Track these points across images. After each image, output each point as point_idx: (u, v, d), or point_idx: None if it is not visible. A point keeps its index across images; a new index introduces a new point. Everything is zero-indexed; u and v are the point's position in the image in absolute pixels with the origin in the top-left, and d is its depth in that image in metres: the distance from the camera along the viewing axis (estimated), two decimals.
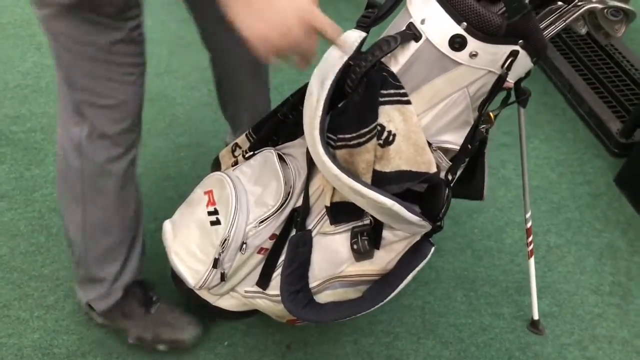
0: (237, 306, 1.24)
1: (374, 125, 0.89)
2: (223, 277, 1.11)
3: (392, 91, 0.89)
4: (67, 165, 1.10)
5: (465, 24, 0.84)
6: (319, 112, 0.89)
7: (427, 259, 1.04)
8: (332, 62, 0.90)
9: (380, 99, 0.89)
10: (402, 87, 0.90)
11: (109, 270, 1.21)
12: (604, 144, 1.94)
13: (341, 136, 0.91)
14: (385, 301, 1.04)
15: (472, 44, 0.85)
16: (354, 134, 0.90)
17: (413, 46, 0.88)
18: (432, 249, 1.04)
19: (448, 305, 1.43)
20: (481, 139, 0.98)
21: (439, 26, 0.86)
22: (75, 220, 1.16)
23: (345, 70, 0.89)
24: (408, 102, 0.90)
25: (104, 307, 1.25)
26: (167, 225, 1.19)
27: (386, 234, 1.07)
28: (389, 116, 0.90)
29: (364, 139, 0.90)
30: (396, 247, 1.10)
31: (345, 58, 0.88)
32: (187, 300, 1.30)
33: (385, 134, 0.90)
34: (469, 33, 0.84)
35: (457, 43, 0.85)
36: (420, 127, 0.91)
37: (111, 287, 1.23)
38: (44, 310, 1.35)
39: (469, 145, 0.95)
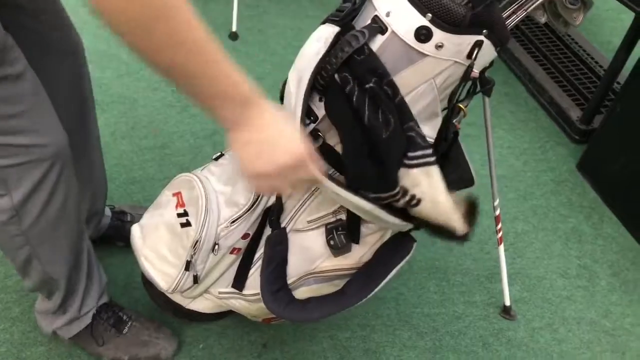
0: (211, 308, 1.22)
1: (396, 191, 0.90)
2: (196, 280, 1.10)
3: (419, 153, 0.89)
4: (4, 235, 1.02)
5: (430, 15, 0.85)
6: (298, 113, 0.89)
7: (410, 254, 1.05)
8: (307, 59, 0.90)
9: (407, 162, 0.88)
10: (429, 147, 0.90)
11: (72, 300, 1.18)
12: (565, 132, 1.99)
13: (364, 192, 0.92)
14: (369, 297, 1.05)
15: (438, 35, 0.86)
16: (374, 195, 0.91)
17: (379, 39, 0.88)
18: (414, 245, 1.05)
19: (422, 296, 1.44)
20: (454, 131, 0.99)
21: (404, 18, 0.87)
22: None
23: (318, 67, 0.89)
24: (434, 163, 0.90)
25: (71, 334, 1.22)
26: (135, 229, 1.17)
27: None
28: (414, 180, 0.89)
29: (384, 201, 0.92)
30: (369, 240, 1.10)
31: (321, 55, 0.88)
32: (158, 304, 1.28)
33: (409, 197, 0.91)
34: (434, 24, 0.85)
35: (422, 35, 0.86)
36: (445, 188, 0.92)
37: (77, 315, 1.20)
38: (9, 323, 1.31)
39: (445, 139, 0.96)
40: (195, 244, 1.05)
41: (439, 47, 0.87)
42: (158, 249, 1.12)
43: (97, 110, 1.26)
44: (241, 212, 1.05)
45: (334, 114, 0.91)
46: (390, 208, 0.95)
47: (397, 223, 0.97)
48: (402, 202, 0.92)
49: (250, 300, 1.15)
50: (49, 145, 0.94)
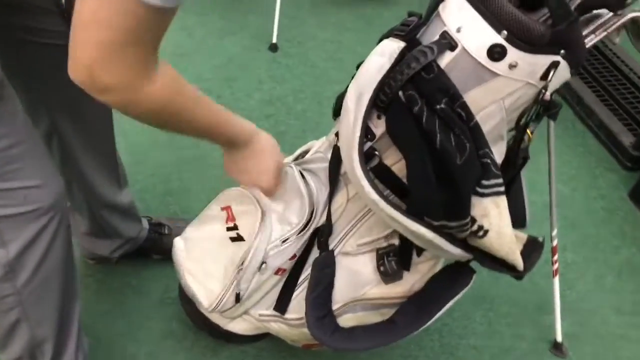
0: (249, 330, 1.17)
1: (466, 221, 0.85)
2: (238, 299, 1.05)
3: (493, 182, 0.84)
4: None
5: (505, 32, 0.79)
6: (357, 132, 0.85)
7: (468, 287, 0.99)
8: (369, 75, 0.85)
9: (480, 190, 0.84)
10: (500, 176, 0.85)
11: None
12: (616, 158, 1.90)
13: (427, 219, 0.87)
14: (420, 329, 0.98)
15: (512, 54, 0.80)
16: (437, 223, 0.86)
17: (448, 56, 0.83)
18: (474, 277, 0.99)
19: (467, 327, 1.37)
20: (523, 157, 0.93)
21: (476, 35, 0.81)
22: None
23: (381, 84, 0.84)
24: (504, 192, 0.85)
25: None
26: (179, 242, 1.12)
27: None
28: (484, 210, 0.85)
29: (448, 230, 0.87)
30: (421, 268, 1.05)
31: (384, 71, 0.83)
32: (194, 322, 1.24)
33: (476, 227, 0.86)
34: (509, 42, 0.79)
35: (496, 53, 0.80)
36: (510, 221, 0.87)
37: None
38: None
39: (513, 166, 0.90)
40: (243, 262, 1.01)
41: (512, 66, 0.81)
42: (203, 263, 1.08)
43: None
44: (293, 231, 1.00)
45: (399, 134, 0.86)
46: (452, 237, 0.89)
47: (457, 253, 0.91)
48: (467, 232, 0.86)
49: (292, 325, 1.10)
50: (47, 191, 0.87)
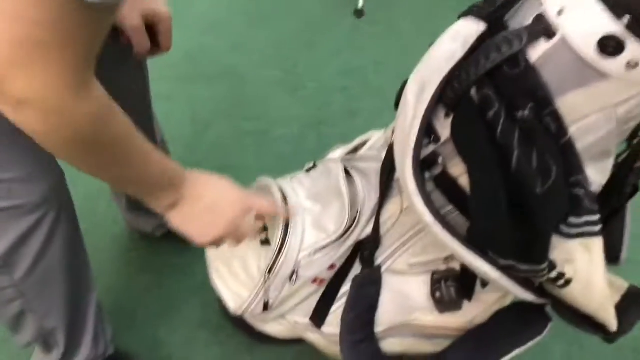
0: (285, 333, 1.05)
1: (543, 266, 0.66)
2: (266, 307, 0.92)
3: (585, 219, 0.64)
4: None
5: (628, 18, 0.57)
6: (414, 132, 0.67)
7: (541, 336, 0.79)
8: (437, 63, 0.67)
9: (565, 230, 0.64)
10: (596, 212, 0.65)
11: (76, 349, 1.00)
12: None
13: (492, 255, 0.69)
14: None
15: (633, 48, 0.58)
16: (506, 262, 0.68)
17: (541, 47, 0.63)
18: (549, 326, 0.79)
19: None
20: (634, 184, 0.72)
21: (584, 20, 0.60)
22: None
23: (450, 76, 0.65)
24: (599, 233, 0.65)
25: None
26: None
27: None
28: (569, 254, 0.65)
29: (520, 274, 0.69)
30: (486, 299, 0.86)
31: (456, 60, 0.64)
32: (229, 318, 1.14)
33: (555, 274, 0.67)
34: (631, 32, 0.58)
35: (610, 47, 0.59)
36: (605, 270, 0.66)
37: None
38: None
39: (618, 193, 0.69)
40: (271, 269, 0.88)
41: (631, 66, 0.59)
42: (231, 264, 0.96)
43: (202, 83, 1.11)
44: (329, 240, 0.85)
45: (465, 143, 0.67)
46: (523, 280, 0.70)
47: (529, 299, 0.72)
48: (544, 279, 0.67)
49: (330, 341, 0.96)
50: (35, 186, 0.76)
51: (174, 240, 1.30)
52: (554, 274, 0.66)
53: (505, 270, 0.69)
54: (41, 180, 0.76)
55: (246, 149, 1.53)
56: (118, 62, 0.92)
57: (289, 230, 0.85)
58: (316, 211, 0.88)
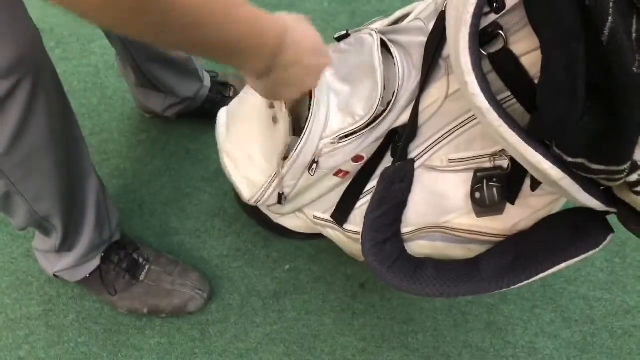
0: (303, 228, 0.97)
1: (622, 167, 0.52)
2: (280, 200, 0.83)
3: None
4: None
5: None
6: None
7: (598, 249, 0.68)
8: None
9: None
10: None
11: (76, 235, 0.93)
12: None
13: (557, 151, 0.55)
14: (512, 288, 0.71)
15: None
16: (575, 160, 0.54)
17: None
18: (609, 238, 0.68)
19: (581, 270, 1.07)
20: None
21: None
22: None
23: None
24: None
25: (76, 279, 0.98)
26: (222, 114, 0.91)
27: None
28: None
29: (590, 175, 0.55)
30: (533, 203, 0.75)
31: None
32: (243, 209, 1.05)
33: (637, 177, 0.54)
34: None
35: None
36: None
37: (81, 257, 0.95)
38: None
39: None
40: (286, 156, 0.77)
41: None
42: (244, 146, 0.86)
43: None
44: (356, 126, 0.73)
45: (540, 9, 0.52)
46: (590, 183, 0.58)
47: (593, 205, 0.60)
48: (619, 183, 0.55)
49: (351, 238, 0.87)
50: (3, 47, 0.63)
51: (187, 124, 1.21)
52: (634, 177, 0.53)
53: (571, 169, 0.56)
54: (7, 39, 0.63)
55: None
56: None
57: (310, 112, 0.73)
58: (344, 92, 0.75)
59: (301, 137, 0.73)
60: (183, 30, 0.47)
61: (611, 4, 0.47)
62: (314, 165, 0.77)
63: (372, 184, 0.80)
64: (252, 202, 0.87)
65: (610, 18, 0.47)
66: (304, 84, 0.66)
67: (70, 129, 0.82)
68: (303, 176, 0.79)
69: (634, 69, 0.47)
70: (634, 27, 0.47)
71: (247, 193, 0.86)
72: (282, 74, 0.60)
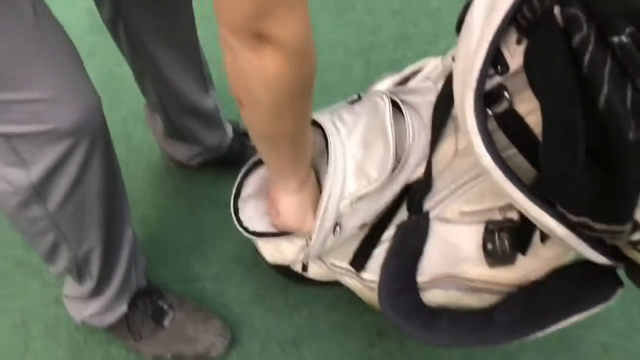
0: (323, 275, 0.99)
1: (623, 227, 0.54)
2: (305, 268, 0.86)
3: None
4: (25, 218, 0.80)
5: None
6: (479, 61, 0.56)
7: (607, 302, 0.70)
8: None
9: None
10: None
11: (107, 281, 0.97)
12: None
13: (561, 210, 0.59)
14: (528, 337, 0.73)
15: None
16: (579, 219, 0.57)
17: None
18: (618, 292, 0.69)
19: (600, 318, 1.06)
20: None
21: None
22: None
23: None
24: None
25: (104, 325, 1.02)
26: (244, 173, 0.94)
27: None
28: None
29: (593, 233, 0.58)
30: (544, 254, 0.77)
31: None
32: (262, 258, 1.08)
33: (639, 237, 0.56)
34: None
35: None
36: None
37: (109, 303, 0.99)
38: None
39: None
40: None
41: None
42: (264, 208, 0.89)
43: None
44: (370, 188, 0.76)
45: (540, 75, 0.56)
46: (595, 240, 0.60)
47: (599, 261, 0.62)
48: (622, 241, 0.57)
49: (369, 287, 0.89)
50: (66, 109, 0.68)
51: (211, 172, 1.26)
52: (636, 236, 0.55)
53: (576, 228, 0.59)
54: (71, 104, 0.68)
55: None
56: None
57: (331, 177, 0.76)
58: (359, 155, 0.78)
59: (320, 205, 0.76)
60: (300, 117, 0.66)
61: (606, 74, 0.50)
62: (338, 228, 0.80)
63: (389, 232, 0.82)
64: (273, 263, 0.91)
65: (605, 87, 0.50)
66: (298, 223, 0.80)
67: (116, 182, 0.87)
68: (328, 239, 0.82)
69: (630, 135, 0.49)
70: (629, 95, 0.50)
71: (269, 258, 0.90)
72: (296, 202, 0.78)
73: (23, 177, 0.72)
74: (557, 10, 0.53)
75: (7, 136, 0.68)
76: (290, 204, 0.78)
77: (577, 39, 0.50)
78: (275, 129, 0.65)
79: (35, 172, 0.72)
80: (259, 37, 0.51)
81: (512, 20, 0.57)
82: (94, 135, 0.74)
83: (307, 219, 0.79)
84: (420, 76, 0.80)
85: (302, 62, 0.55)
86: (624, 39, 0.48)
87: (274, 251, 0.89)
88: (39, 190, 0.74)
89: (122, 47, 1.00)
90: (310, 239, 0.80)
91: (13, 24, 0.62)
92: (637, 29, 0.48)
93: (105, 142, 0.78)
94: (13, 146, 0.69)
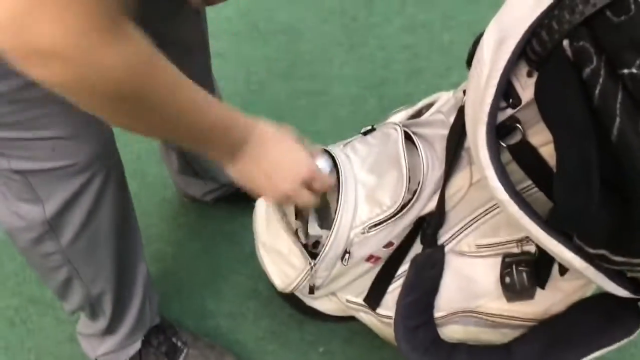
0: (337, 311, 0.98)
1: None
2: (312, 291, 0.85)
3: None
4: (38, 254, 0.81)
5: None
6: (490, 94, 0.57)
7: (632, 336, 0.68)
8: (520, 11, 0.56)
9: None
10: None
11: (121, 318, 0.96)
12: None
13: (578, 242, 0.58)
14: None
15: None
16: (596, 252, 0.57)
17: None
18: None
19: (625, 352, 1.04)
20: None
21: None
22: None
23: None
24: None
25: None
26: (260, 206, 0.94)
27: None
28: None
29: (612, 266, 0.58)
30: (564, 287, 0.76)
31: (545, 6, 0.54)
32: (277, 292, 1.08)
33: None
34: None
35: None
36: None
37: (123, 341, 0.98)
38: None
39: None
40: (316, 255, 0.80)
41: None
42: (278, 240, 0.89)
43: (258, 41, 1.02)
44: (383, 216, 0.76)
45: (552, 108, 0.56)
46: (615, 272, 0.59)
47: (620, 294, 0.61)
48: None
49: (384, 322, 0.88)
50: (81, 146, 0.69)
51: (224, 207, 1.26)
52: None
53: (594, 260, 0.58)
54: (88, 140, 0.70)
55: (301, 110, 1.44)
56: (173, 13, 0.86)
57: (339, 204, 0.76)
58: (371, 183, 0.79)
59: (331, 230, 0.76)
60: (158, 124, 0.56)
61: (618, 106, 0.50)
62: (347, 255, 0.79)
63: (404, 268, 0.82)
64: (285, 291, 0.90)
65: (617, 118, 0.50)
66: (277, 184, 0.70)
67: (129, 216, 0.88)
68: (336, 266, 0.82)
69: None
70: None
71: (280, 284, 0.90)
72: (250, 166, 0.68)
73: (37, 212, 0.73)
74: (566, 43, 0.53)
75: (24, 173, 0.70)
76: (246, 172, 0.70)
77: (587, 71, 0.50)
78: (147, 126, 0.57)
79: (50, 207, 0.73)
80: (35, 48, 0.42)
81: (522, 53, 0.58)
82: (108, 170, 0.75)
83: (275, 176, 0.70)
84: (433, 109, 0.81)
85: (90, 72, 0.45)
86: (634, 71, 0.48)
87: (281, 274, 0.88)
88: (53, 225, 0.75)
89: None
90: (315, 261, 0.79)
91: None
92: None
93: (118, 177, 0.79)
94: (29, 182, 0.70)
